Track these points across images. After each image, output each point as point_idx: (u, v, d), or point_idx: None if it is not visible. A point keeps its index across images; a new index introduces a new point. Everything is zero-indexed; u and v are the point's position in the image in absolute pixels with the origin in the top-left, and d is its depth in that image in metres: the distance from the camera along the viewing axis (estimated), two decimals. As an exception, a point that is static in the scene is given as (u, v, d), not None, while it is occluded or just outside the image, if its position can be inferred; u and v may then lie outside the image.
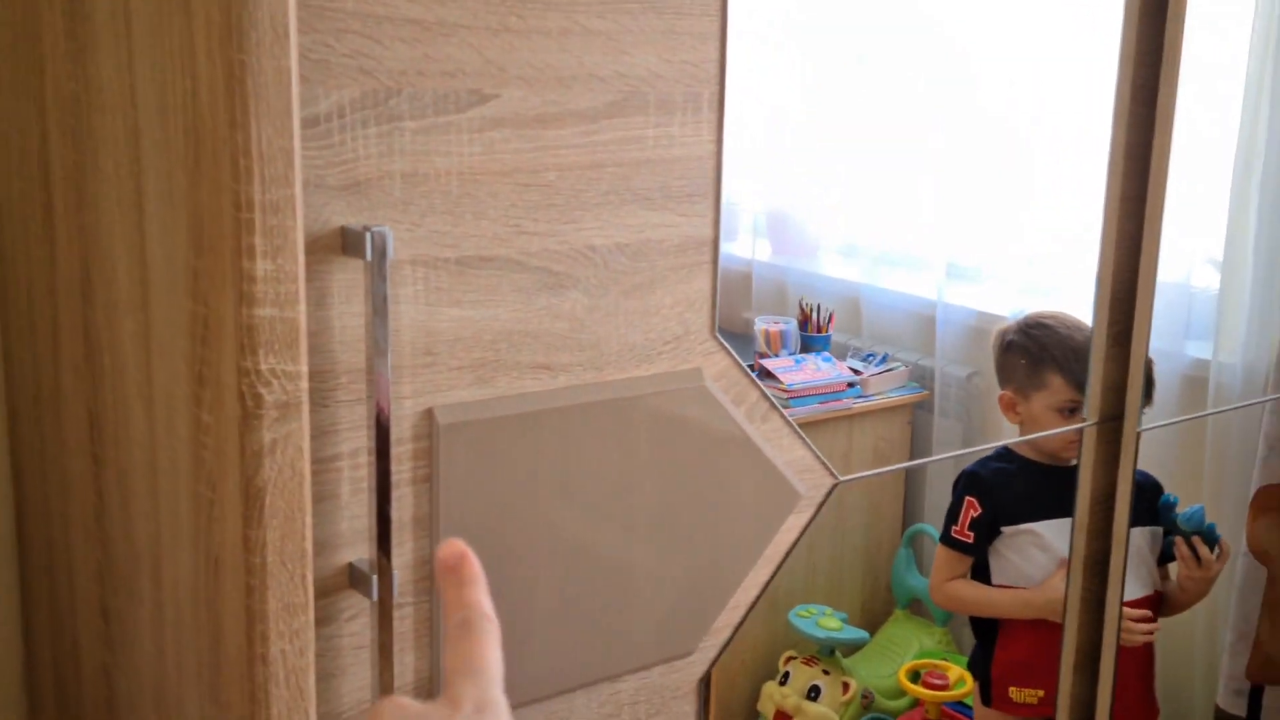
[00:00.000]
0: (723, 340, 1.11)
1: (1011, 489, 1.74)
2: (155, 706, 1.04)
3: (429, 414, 0.97)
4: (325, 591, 0.94)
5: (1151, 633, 1.61)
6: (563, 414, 1.03)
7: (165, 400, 0.96)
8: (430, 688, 1.01)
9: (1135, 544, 1.61)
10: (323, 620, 0.94)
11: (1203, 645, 1.98)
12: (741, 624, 1.18)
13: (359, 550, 0.95)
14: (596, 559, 1.07)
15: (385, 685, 0.96)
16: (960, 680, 1.85)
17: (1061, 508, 1.65)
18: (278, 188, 0.83)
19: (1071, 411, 1.63)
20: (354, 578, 0.95)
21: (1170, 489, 1.98)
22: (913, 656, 2.02)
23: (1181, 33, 1.26)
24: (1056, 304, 2.07)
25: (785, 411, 1.16)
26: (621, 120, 1.01)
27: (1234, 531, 1.89)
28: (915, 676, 1.91)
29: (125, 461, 1.04)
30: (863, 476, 1.32)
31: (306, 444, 0.87)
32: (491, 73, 0.95)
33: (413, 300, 0.95)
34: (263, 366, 0.85)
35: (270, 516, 0.86)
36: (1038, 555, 1.74)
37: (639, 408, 1.06)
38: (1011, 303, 2.09)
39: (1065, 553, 1.68)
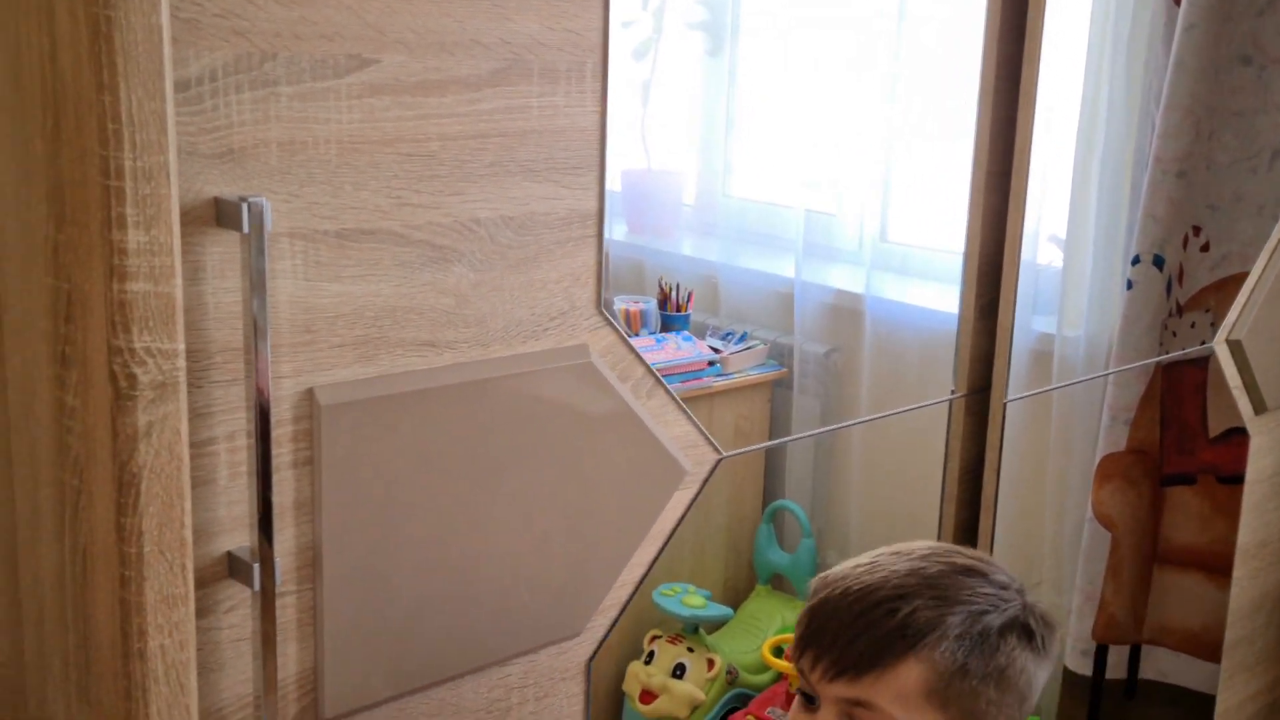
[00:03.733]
0: (608, 315, 1.10)
1: None
2: (12, 710, 0.98)
3: (309, 394, 0.92)
4: (203, 582, 0.89)
5: None
6: (448, 392, 0.99)
7: (21, 384, 0.90)
8: (313, 679, 0.97)
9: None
10: (200, 612, 0.89)
11: (1050, 610, 2.05)
12: (629, 603, 1.17)
13: (238, 538, 0.91)
14: (484, 540, 1.04)
15: (269, 678, 0.92)
16: (824, 652, 1.88)
17: None
18: (150, 154, 0.78)
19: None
20: (233, 567, 0.90)
21: (1019, 460, 2.05)
22: (775, 631, 2.05)
23: (1044, 7, 1.29)
24: (909, 280, 2.12)
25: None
26: (506, 89, 0.98)
27: (1080, 498, 1.97)
28: (779, 651, 1.93)
29: (-26, 451, 0.97)
30: (747, 451, 1.33)
31: (185, 425, 0.83)
32: (371, 37, 0.90)
33: (291, 275, 0.90)
34: (136, 345, 0.80)
35: (147, 503, 0.82)
36: None
37: (526, 385, 1.04)
38: (866, 280, 2.13)
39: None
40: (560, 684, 1.15)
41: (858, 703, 0.88)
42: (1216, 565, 1.85)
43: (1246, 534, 1.69)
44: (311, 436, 0.93)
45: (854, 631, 0.88)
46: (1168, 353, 1.86)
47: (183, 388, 0.82)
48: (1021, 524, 2.04)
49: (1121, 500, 1.91)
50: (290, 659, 0.95)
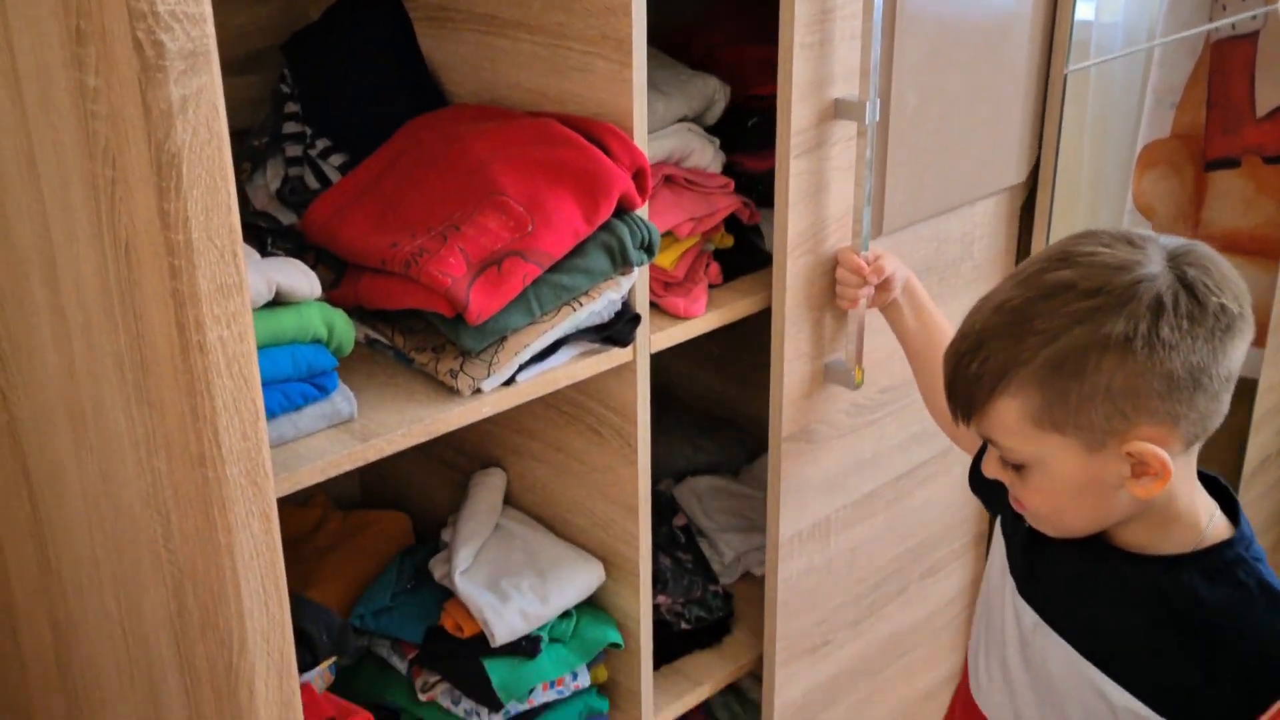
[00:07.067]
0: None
1: None
2: (70, 421, 0.95)
3: None
4: (821, 121, 1.16)
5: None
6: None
7: (34, 74, 0.83)
8: (879, 199, 1.24)
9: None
10: (817, 144, 1.17)
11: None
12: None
13: (843, 88, 1.16)
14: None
15: (870, 193, 1.19)
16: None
17: None
18: None
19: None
20: (840, 109, 1.16)
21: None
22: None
23: None
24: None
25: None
26: None
27: (1119, 188, 1.92)
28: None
29: (-11, 155, 0.91)
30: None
31: (221, 101, 0.76)
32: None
33: None
34: (160, 8, 0.72)
35: (190, 185, 0.76)
36: None
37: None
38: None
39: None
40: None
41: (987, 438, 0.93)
42: (1260, 249, 1.82)
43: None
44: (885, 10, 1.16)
45: (951, 381, 0.93)
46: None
47: (214, 58, 0.75)
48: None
49: (1164, 188, 1.86)
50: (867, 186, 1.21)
